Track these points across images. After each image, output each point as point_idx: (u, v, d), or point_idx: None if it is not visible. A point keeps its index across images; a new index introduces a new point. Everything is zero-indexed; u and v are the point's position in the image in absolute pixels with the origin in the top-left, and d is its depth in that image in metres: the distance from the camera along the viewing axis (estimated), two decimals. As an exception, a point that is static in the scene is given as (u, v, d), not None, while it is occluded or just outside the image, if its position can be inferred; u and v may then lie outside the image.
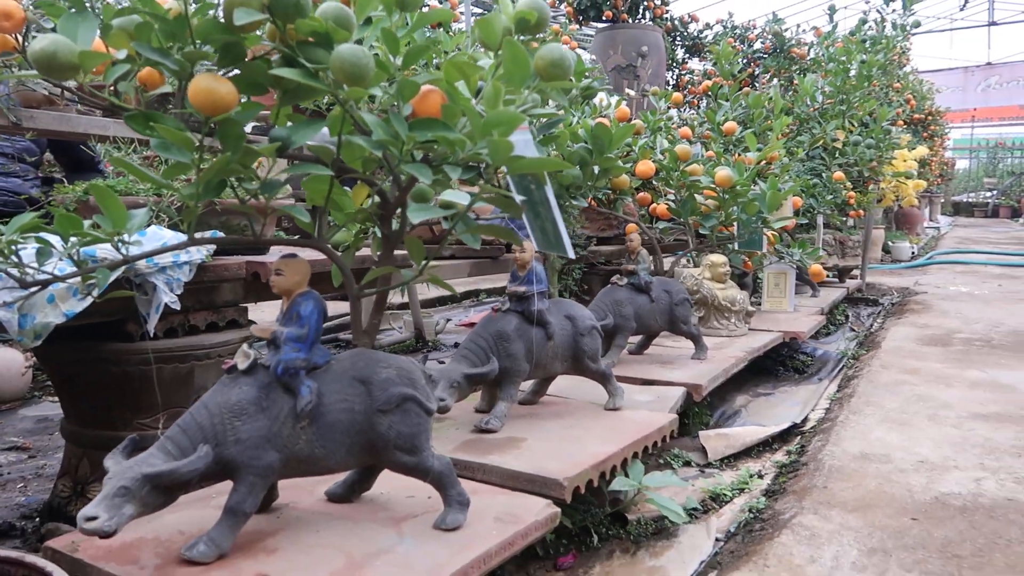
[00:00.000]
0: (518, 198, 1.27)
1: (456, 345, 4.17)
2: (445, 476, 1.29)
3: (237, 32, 1.15)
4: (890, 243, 8.87)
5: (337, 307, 4.85)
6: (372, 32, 1.27)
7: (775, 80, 6.17)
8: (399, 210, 1.30)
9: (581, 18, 6.59)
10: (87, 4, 1.11)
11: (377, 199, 1.31)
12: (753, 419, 2.77)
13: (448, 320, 4.85)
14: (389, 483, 1.45)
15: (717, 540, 1.77)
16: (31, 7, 1.57)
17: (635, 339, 2.82)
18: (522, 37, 1.34)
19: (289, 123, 1.21)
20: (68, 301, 1.43)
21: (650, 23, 6.60)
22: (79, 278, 1.12)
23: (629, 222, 3.01)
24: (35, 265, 1.12)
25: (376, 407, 1.23)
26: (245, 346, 1.23)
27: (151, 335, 1.60)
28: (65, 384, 1.79)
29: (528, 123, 1.32)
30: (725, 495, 2.04)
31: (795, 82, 5.10)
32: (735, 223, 2.81)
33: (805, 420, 2.70)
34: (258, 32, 1.20)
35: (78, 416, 1.78)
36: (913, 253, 8.95)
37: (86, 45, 1.07)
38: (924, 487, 1.96)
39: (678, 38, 7.11)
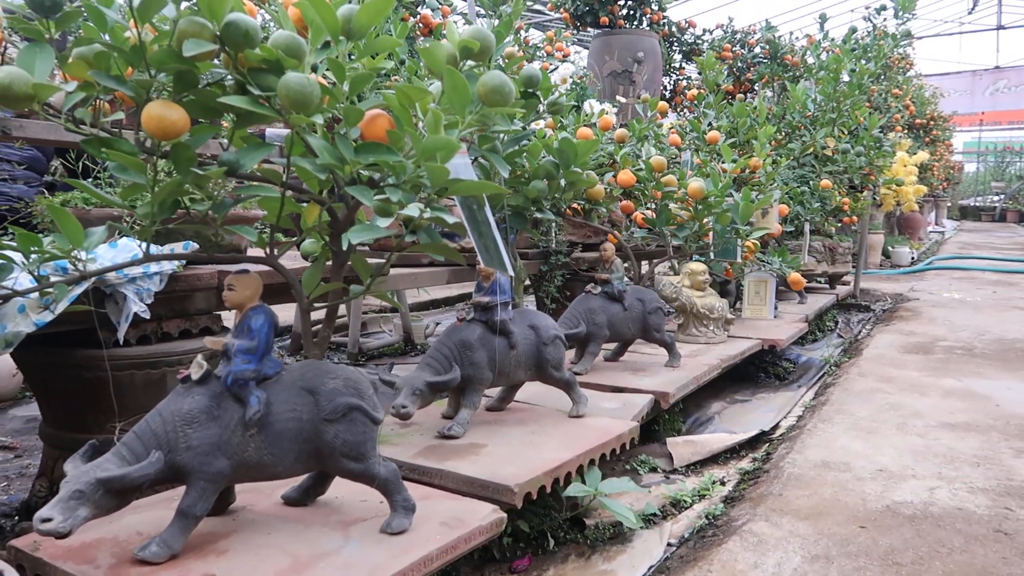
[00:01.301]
0: (461, 218, 1.33)
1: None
2: (391, 482, 1.35)
3: (190, 61, 1.21)
4: (890, 248, 8.88)
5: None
6: (322, 60, 1.33)
7: (767, 89, 6.21)
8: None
9: (578, 24, 6.64)
10: (46, 36, 1.18)
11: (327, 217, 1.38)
12: (726, 426, 2.82)
13: (438, 323, 4.91)
14: (344, 488, 1.51)
15: (670, 546, 1.82)
16: (6, 28, 1.64)
17: (611, 346, 2.87)
18: (469, 63, 1.40)
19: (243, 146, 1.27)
20: (39, 312, 1.50)
21: (647, 28, 6.65)
22: (35, 290, 1.18)
23: (604, 231, 3.06)
24: (-3, 280, 1.19)
25: (323, 416, 1.29)
26: (199, 357, 1.29)
27: (122, 342, 1.67)
28: (42, 388, 1.87)
29: (466, 147, 1.37)
30: (685, 501, 2.09)
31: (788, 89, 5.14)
32: (710, 233, 2.86)
33: (776, 427, 2.75)
34: (214, 60, 1.27)
35: (54, 419, 1.85)
36: (913, 258, 8.95)
37: (43, 76, 1.14)
38: (878, 495, 2.00)
39: (675, 43, 7.15)
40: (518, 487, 1.59)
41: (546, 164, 2.16)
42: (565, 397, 2.17)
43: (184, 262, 1.83)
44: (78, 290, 1.55)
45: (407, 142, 1.31)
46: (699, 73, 4.95)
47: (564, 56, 5.50)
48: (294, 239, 1.42)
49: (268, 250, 1.32)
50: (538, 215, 2.18)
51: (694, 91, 4.73)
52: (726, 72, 4.80)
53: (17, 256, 1.20)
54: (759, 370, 3.58)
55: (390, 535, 1.34)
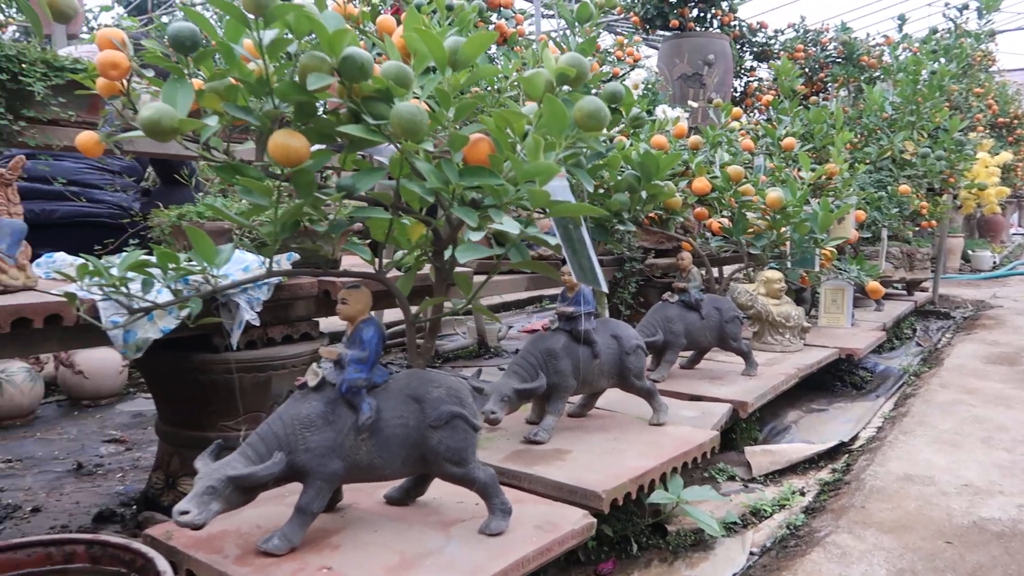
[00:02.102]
0: (558, 239, 1.39)
1: (517, 352, 4.31)
2: (489, 486, 1.43)
3: (310, 93, 1.31)
4: (970, 252, 8.59)
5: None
6: (428, 86, 1.42)
7: (842, 91, 6.09)
8: (451, 246, 1.45)
9: (648, 27, 6.64)
10: (186, 72, 1.30)
11: (431, 235, 1.46)
12: (803, 435, 2.82)
13: (510, 327, 5.00)
14: (441, 489, 1.60)
15: (752, 554, 1.86)
16: (134, 57, 1.78)
17: (686, 354, 2.90)
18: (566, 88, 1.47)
19: (355, 171, 1.37)
20: (164, 319, 1.63)
21: (717, 31, 6.60)
22: (176, 303, 1.30)
23: (679, 238, 3.09)
24: (140, 294, 1.31)
25: (428, 423, 1.37)
26: (315, 365, 1.39)
27: (234, 347, 1.80)
28: (160, 388, 2.01)
29: (564, 170, 1.44)
30: (765, 510, 2.11)
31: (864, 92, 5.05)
32: (788, 242, 2.87)
33: (855, 438, 2.74)
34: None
35: (170, 417, 2.00)
36: (995, 263, 8.64)
37: (184, 111, 1.25)
38: (964, 511, 1.99)
39: (746, 45, 7.07)
40: (606, 493, 1.65)
41: (628, 177, 2.21)
42: (644, 404, 2.21)
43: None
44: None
45: (507, 166, 1.38)
46: (771, 75, 4.90)
47: (635, 61, 5.51)
48: (397, 257, 1.51)
49: (377, 266, 1.41)
50: (619, 227, 2.23)
51: (768, 96, 4.68)
52: (798, 74, 4.74)
53: (157, 274, 1.32)
54: (836, 379, 3.54)
55: (488, 536, 1.41)
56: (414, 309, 1.54)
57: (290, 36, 1.29)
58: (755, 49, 7.09)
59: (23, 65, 2.34)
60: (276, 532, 1.34)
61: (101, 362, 3.14)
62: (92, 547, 1.19)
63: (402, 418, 1.38)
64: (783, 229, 2.81)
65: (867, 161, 4.57)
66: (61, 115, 2.44)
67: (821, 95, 6.98)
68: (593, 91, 2.07)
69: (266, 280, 1.84)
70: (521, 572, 1.35)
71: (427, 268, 1.82)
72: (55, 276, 1.85)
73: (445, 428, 1.38)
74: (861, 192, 4.12)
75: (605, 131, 2.10)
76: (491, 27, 4.38)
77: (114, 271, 1.21)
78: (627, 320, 3.24)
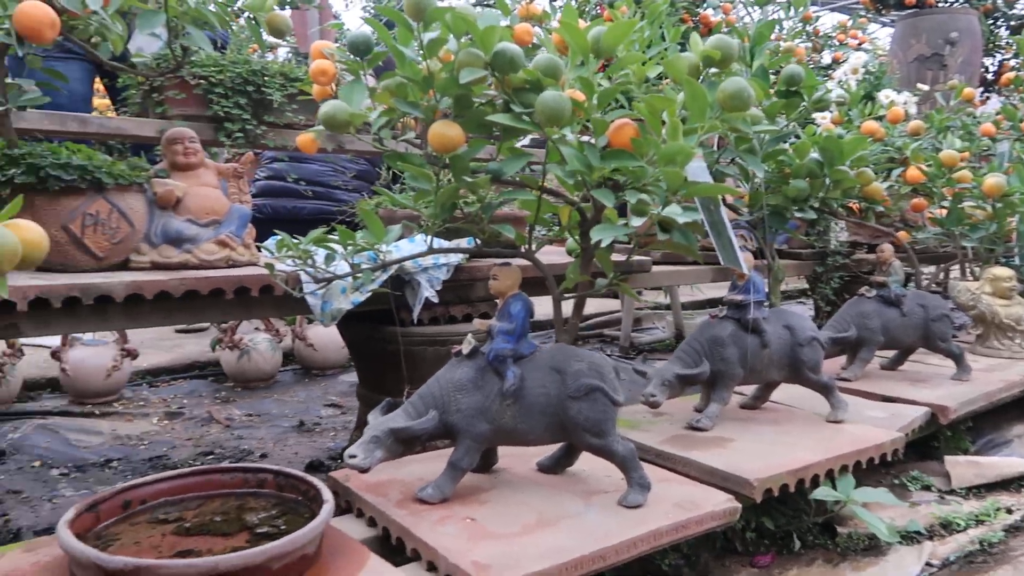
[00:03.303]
0: (702, 217, 1.41)
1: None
2: (628, 460, 1.48)
3: (466, 86, 1.44)
4: None
5: (604, 304, 5.16)
6: (575, 77, 1.50)
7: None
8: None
9: (880, 6, 6.12)
10: (361, 73, 1.49)
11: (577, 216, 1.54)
12: (1027, 451, 2.50)
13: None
14: (592, 464, 1.66)
15: (929, 566, 1.71)
16: (339, 64, 2.03)
17: (887, 354, 2.69)
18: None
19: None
20: (355, 293, 1.86)
21: (963, 4, 5.92)
22: (350, 277, 1.50)
23: (887, 231, 2.87)
24: (323, 266, 1.52)
25: (568, 394, 1.45)
26: (469, 336, 1.53)
27: (416, 322, 2.00)
28: (358, 356, 2.28)
29: (702, 152, 1.44)
30: (958, 524, 1.92)
31: None
32: (1014, 234, 2.55)
33: (1094, 459, 2.37)
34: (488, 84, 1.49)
35: (366, 382, 2.26)
36: None
37: (357, 106, 1.44)
38: None
39: (999, 19, 6.26)
40: (757, 481, 1.62)
41: (809, 163, 2.12)
42: (823, 400, 2.11)
43: (468, 256, 2.12)
44: (383, 276, 1.89)
45: (651, 149, 1.42)
46: (1015, 56, 4.33)
47: (859, 44, 5.13)
48: (547, 234, 1.61)
49: (528, 246, 1.51)
50: (799, 215, 2.14)
51: (1011, 74, 4.13)
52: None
53: (339, 248, 1.53)
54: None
55: (626, 508, 1.46)
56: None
57: (448, 37, 1.43)
58: (1011, 23, 6.26)
59: (265, 77, 2.75)
60: (431, 483, 1.49)
61: (329, 338, 3.58)
62: (278, 476, 1.41)
63: (544, 387, 1.47)
64: (1009, 219, 2.51)
65: None
66: (294, 119, 2.83)
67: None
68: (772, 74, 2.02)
69: (446, 261, 2.02)
70: (652, 544, 1.38)
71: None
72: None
73: (584, 399, 1.45)
74: None
75: (785, 115, 2.04)
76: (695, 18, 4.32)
77: (302, 246, 1.43)
78: (827, 317, 3.07)
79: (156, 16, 1.59)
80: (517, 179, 1.49)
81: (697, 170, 1.33)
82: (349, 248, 1.50)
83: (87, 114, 2.86)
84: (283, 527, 1.28)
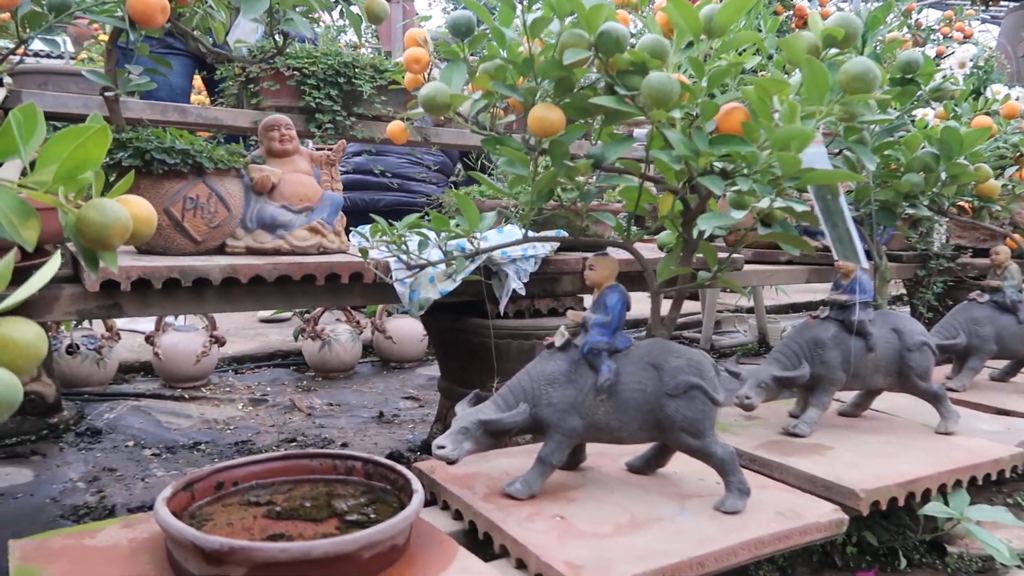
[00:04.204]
0: (816, 208, 1.32)
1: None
2: (727, 463, 1.40)
3: (568, 68, 1.39)
4: None
5: (684, 306, 5.03)
6: (680, 58, 1.43)
7: None
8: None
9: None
10: (461, 56, 1.46)
11: (680, 206, 1.47)
12: None
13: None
14: (682, 466, 1.59)
15: (1055, 593, 1.58)
16: (433, 52, 2.02)
17: (998, 364, 2.52)
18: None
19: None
20: (444, 282, 1.84)
21: (1082, -4, 5.55)
22: (443, 264, 1.47)
23: (1003, 233, 2.68)
24: (417, 253, 1.50)
25: (665, 391, 1.39)
26: (562, 327, 1.48)
27: (502, 314, 1.96)
28: (441, 348, 2.26)
29: (822, 136, 1.35)
30: (1084, 549, 1.77)
31: None
32: None
33: None
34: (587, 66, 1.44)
35: (449, 374, 2.24)
36: None
37: (457, 89, 1.41)
38: None
39: (1123, 10, 5.83)
40: (864, 493, 1.52)
41: (924, 156, 1.98)
42: (930, 411, 1.98)
43: (556, 247, 2.07)
44: (472, 266, 1.86)
45: (762, 134, 1.34)
46: None
47: (966, 37, 4.85)
48: (649, 227, 1.54)
49: (625, 235, 1.45)
50: (910, 211, 2.01)
51: None
52: None
53: (432, 236, 1.50)
54: None
55: (723, 513, 1.39)
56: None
57: (552, 17, 1.38)
58: None
59: (356, 70, 2.77)
60: (519, 478, 1.45)
61: (408, 331, 3.59)
62: (367, 464, 1.39)
63: (640, 383, 1.41)
64: None
65: None
66: (382, 111, 2.84)
67: None
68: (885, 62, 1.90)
69: (534, 252, 1.98)
70: (753, 553, 1.31)
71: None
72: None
73: (682, 397, 1.38)
74: None
75: (897, 104, 1.92)
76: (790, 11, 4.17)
77: (397, 232, 1.41)
78: (927, 324, 2.90)
79: (260, 1, 1.60)
80: (618, 165, 1.43)
81: (815, 156, 1.25)
82: (442, 236, 1.48)
83: (187, 104, 2.94)
84: (373, 515, 1.25)
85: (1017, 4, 5.63)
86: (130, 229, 1.03)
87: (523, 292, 1.94)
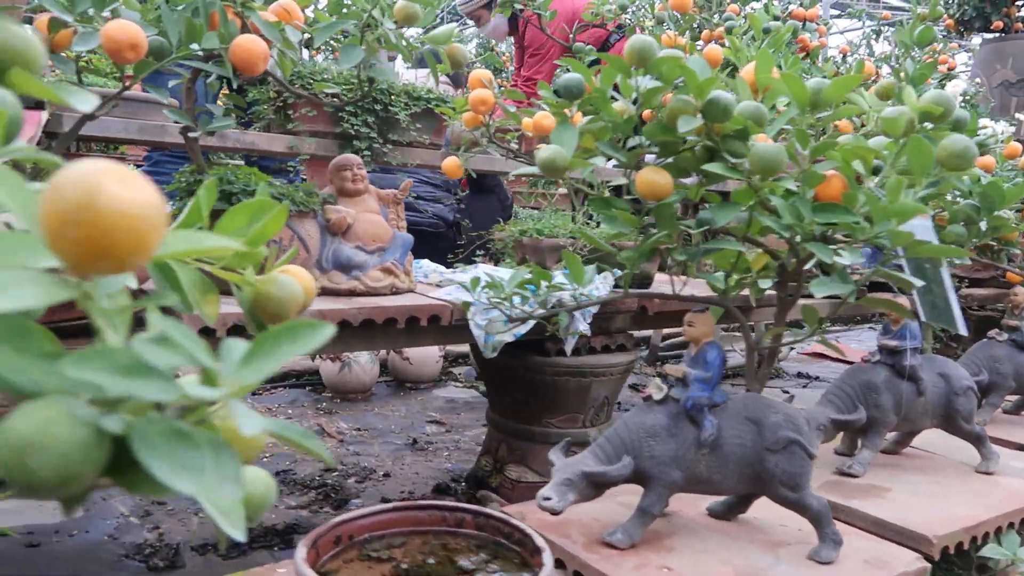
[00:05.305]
0: (914, 280, 1.39)
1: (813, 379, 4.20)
2: (823, 515, 1.46)
3: (674, 133, 1.44)
4: None
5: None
6: (780, 123, 1.49)
7: None
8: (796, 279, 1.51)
9: (963, 30, 6.04)
10: (566, 113, 1.49)
11: (775, 264, 1.53)
12: None
13: (791, 349, 4.85)
14: (762, 511, 1.65)
15: (1104, 630, 1.68)
16: (497, 94, 2.05)
17: (1012, 398, 2.65)
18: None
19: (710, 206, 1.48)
20: (518, 326, 1.87)
21: (1054, 31, 5.82)
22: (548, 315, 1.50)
23: (1005, 268, 2.82)
24: (519, 305, 1.53)
25: (765, 446, 1.45)
26: (658, 380, 1.53)
27: (568, 354, 2.00)
28: (494, 382, 2.29)
29: (931, 212, 1.43)
30: (1118, 585, 1.89)
31: None
32: None
33: None
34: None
35: (501, 409, 2.27)
36: None
37: (571, 151, 1.44)
38: None
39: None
40: (937, 539, 1.60)
41: (965, 208, 2.09)
42: (965, 447, 2.08)
43: (612, 286, 2.12)
44: (542, 311, 1.89)
45: (859, 200, 1.41)
46: None
47: (950, 69, 5.05)
48: (747, 278, 1.60)
49: (727, 294, 1.51)
50: (955, 261, 2.12)
51: None
52: None
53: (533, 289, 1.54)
54: None
55: (818, 563, 1.45)
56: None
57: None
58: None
59: (392, 96, 2.78)
60: (619, 527, 1.49)
61: (423, 352, 3.60)
62: (478, 517, 1.41)
63: (740, 438, 1.46)
64: None
65: None
66: (417, 138, 2.86)
67: None
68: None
69: (597, 294, 2.03)
70: (853, 604, 1.37)
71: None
72: (421, 280, 2.20)
73: (782, 453, 1.44)
74: None
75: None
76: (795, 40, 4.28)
77: (505, 286, 1.44)
78: (936, 354, 3.02)
79: (355, 50, 1.61)
80: (725, 227, 1.49)
81: (921, 228, 1.32)
82: (544, 288, 1.51)
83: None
84: (503, 573, 1.28)
85: (991, 36, 5.89)
86: (302, 302, 1.05)
87: (589, 332, 1.99)
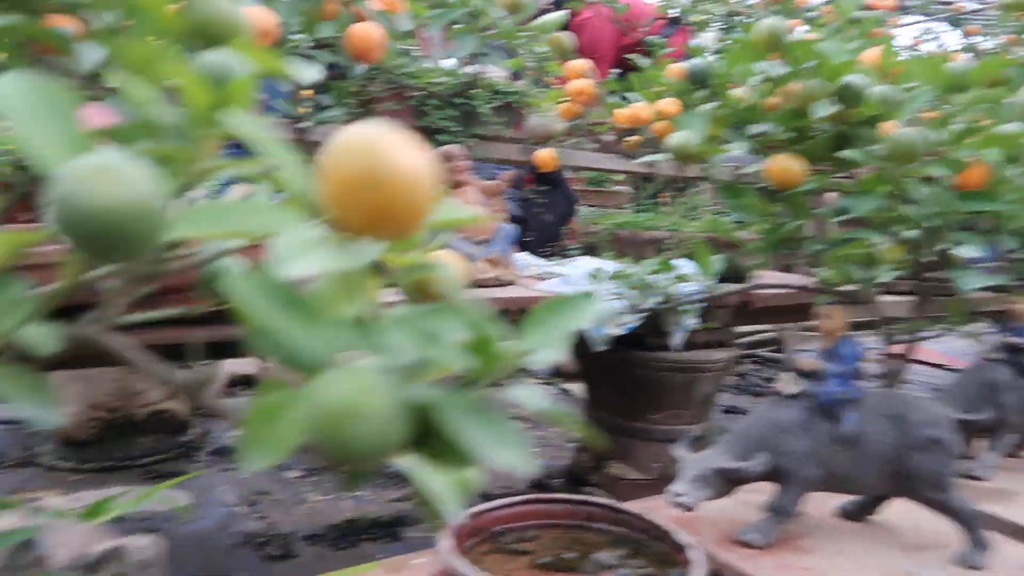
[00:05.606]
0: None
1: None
2: (971, 518, 1.40)
3: (806, 119, 1.40)
4: None
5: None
6: (915, 107, 1.43)
7: None
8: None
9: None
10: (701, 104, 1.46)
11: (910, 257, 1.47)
12: None
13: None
14: (890, 513, 1.59)
15: None
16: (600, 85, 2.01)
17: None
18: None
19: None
20: (628, 319, 1.83)
21: None
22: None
23: None
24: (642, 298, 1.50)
25: (907, 444, 1.39)
26: (790, 375, 1.48)
27: (677, 349, 1.96)
28: (595, 377, 2.26)
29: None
30: None
31: None
32: None
33: None
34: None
35: (601, 404, 2.24)
36: None
37: (701, 138, 1.41)
38: None
39: None
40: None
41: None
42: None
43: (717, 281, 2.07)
44: (651, 303, 1.86)
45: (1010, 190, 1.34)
46: None
47: None
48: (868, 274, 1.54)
49: (865, 289, 1.46)
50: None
51: None
52: None
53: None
54: None
55: (967, 568, 1.38)
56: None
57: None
58: None
59: (474, 90, 2.77)
60: (754, 526, 1.44)
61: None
62: (606, 510, 1.39)
63: (880, 435, 1.40)
64: None
65: None
66: (500, 132, 2.84)
67: None
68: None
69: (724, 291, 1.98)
70: (1012, 612, 1.31)
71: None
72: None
73: (925, 451, 1.38)
74: None
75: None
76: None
77: (638, 277, 1.41)
78: None
79: (470, 38, 1.60)
80: (861, 217, 1.44)
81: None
82: (669, 279, 1.48)
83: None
84: (647, 569, 1.25)
85: None
86: (462, 286, 1.04)
87: (698, 326, 1.94)
